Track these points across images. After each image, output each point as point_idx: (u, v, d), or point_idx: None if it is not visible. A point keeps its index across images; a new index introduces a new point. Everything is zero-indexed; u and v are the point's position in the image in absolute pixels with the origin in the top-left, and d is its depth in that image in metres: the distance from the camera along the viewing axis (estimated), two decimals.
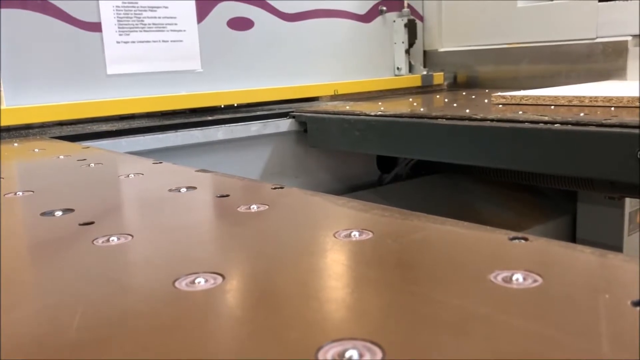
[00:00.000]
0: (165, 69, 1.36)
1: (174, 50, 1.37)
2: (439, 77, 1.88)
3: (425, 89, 1.85)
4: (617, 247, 1.55)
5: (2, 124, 1.10)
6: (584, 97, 1.10)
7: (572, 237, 1.65)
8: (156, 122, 1.20)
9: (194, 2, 1.39)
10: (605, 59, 1.53)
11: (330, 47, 1.69)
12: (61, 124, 1.19)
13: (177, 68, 1.38)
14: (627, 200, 1.54)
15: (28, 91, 1.17)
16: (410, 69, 1.88)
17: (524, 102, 1.18)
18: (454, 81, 1.90)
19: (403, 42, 1.84)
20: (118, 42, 1.28)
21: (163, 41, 1.35)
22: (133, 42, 1.30)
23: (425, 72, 1.87)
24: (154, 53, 1.34)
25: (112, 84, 1.28)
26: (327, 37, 1.67)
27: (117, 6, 1.27)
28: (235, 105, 1.47)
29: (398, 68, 1.87)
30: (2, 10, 1.13)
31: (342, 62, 1.72)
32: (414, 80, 1.86)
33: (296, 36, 1.59)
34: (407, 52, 1.85)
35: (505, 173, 1.38)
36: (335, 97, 1.65)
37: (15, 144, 0.95)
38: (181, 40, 1.38)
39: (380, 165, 1.59)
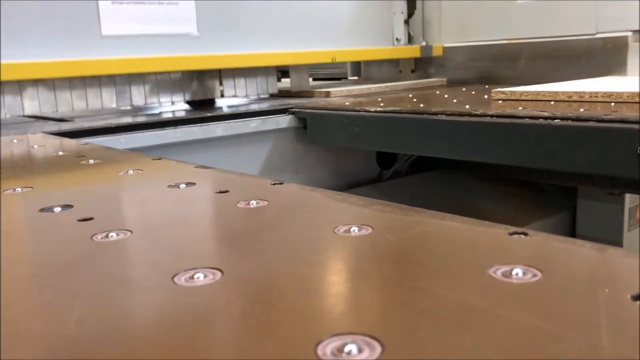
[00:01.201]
0: (161, 32, 1.34)
1: (170, 13, 1.35)
2: (437, 49, 1.85)
3: (424, 86, 1.85)
4: (617, 243, 1.55)
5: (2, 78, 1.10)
6: (584, 92, 1.10)
7: (571, 233, 1.65)
8: (156, 118, 1.20)
9: None
10: (605, 55, 1.53)
11: (330, 15, 1.66)
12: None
13: (172, 31, 1.36)
14: (627, 196, 1.54)
15: (23, 51, 1.16)
16: (410, 40, 1.87)
17: (523, 97, 1.18)
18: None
19: (402, 12, 1.82)
20: (113, 3, 1.27)
21: (159, 3, 1.33)
22: (128, 3, 1.29)
23: (424, 44, 1.85)
24: (149, 15, 1.32)
25: (107, 45, 1.26)
26: (326, 4, 1.65)
27: None
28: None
29: (397, 39, 1.84)
30: None
31: (340, 31, 1.70)
32: (413, 50, 1.83)
33: (295, 2, 1.58)
34: (406, 22, 1.83)
35: (505, 169, 1.38)
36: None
37: (15, 140, 0.95)
38: (177, 3, 1.36)
39: (380, 162, 1.58)
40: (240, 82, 1.52)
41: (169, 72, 1.40)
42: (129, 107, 1.40)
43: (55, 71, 1.19)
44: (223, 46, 1.44)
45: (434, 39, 1.92)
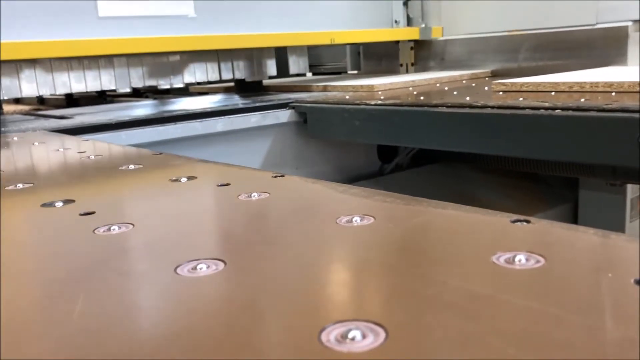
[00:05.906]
0: (158, 13, 1.33)
1: None
2: (437, 31, 1.85)
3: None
4: None
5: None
6: (584, 82, 1.09)
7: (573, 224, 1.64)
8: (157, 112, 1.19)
9: None
10: (605, 45, 1.52)
11: None
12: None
13: (169, 12, 1.35)
14: (629, 186, 1.54)
15: (20, 32, 1.16)
16: (409, 22, 1.86)
17: (524, 88, 1.18)
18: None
19: None
20: None
21: None
22: None
23: (423, 26, 1.84)
24: None
25: (104, 26, 1.26)
26: None
27: None
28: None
29: (396, 21, 1.83)
30: None
31: (339, 13, 1.70)
32: (412, 32, 1.83)
33: None
34: (405, 4, 1.82)
35: (506, 161, 1.38)
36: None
37: (15, 138, 0.95)
38: None
39: (381, 155, 1.58)
40: (239, 64, 1.51)
41: (167, 56, 1.39)
42: (128, 90, 1.40)
43: (52, 51, 1.18)
44: (220, 27, 1.44)
45: (434, 22, 1.91)
